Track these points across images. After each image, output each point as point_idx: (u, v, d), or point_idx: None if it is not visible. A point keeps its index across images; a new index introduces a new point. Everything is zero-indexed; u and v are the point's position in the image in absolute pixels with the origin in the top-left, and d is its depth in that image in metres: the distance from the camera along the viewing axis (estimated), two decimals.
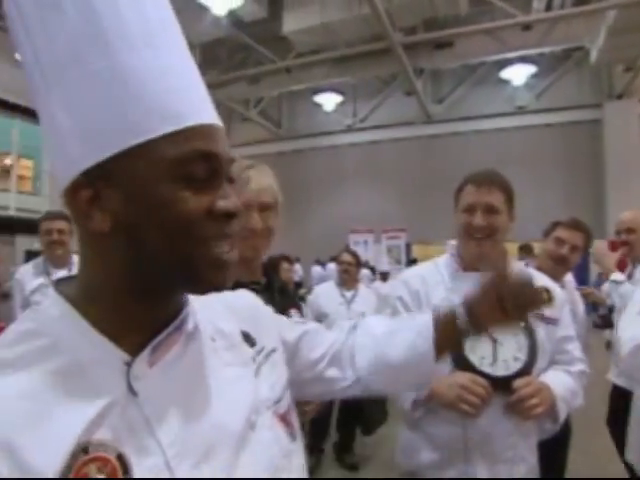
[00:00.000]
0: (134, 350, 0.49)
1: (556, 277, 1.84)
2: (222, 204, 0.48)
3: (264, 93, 15.11)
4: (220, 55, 13.46)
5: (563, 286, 1.91)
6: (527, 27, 10.72)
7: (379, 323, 0.83)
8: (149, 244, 0.46)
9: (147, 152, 0.44)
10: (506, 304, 0.71)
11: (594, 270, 12.31)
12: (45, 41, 0.44)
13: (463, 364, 1.27)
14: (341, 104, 14.87)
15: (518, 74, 12.33)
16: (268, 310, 0.78)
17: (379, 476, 3.37)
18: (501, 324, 0.76)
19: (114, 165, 0.44)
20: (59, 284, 0.53)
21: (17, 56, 0.48)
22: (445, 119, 14.29)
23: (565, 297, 1.48)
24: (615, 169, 13.02)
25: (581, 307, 2.14)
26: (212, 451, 0.51)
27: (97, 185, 0.45)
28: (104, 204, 0.45)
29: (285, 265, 2.98)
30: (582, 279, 12.92)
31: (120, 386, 0.47)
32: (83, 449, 0.43)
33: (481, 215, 1.31)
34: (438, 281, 1.41)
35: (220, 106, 15.47)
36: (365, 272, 6.33)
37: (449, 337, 0.74)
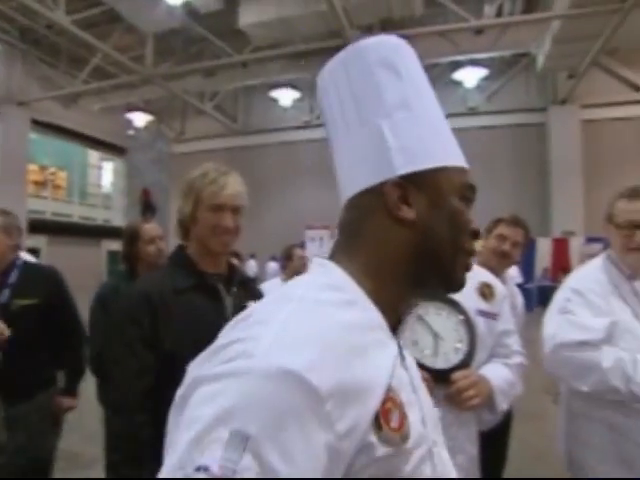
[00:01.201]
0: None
1: (498, 272, 1.91)
2: (476, 225, 0.63)
3: (220, 87, 14.86)
4: (175, 46, 13.10)
5: (504, 281, 1.98)
6: (479, 31, 11.07)
7: None
8: (436, 238, 0.59)
9: (446, 174, 0.60)
10: None
11: (539, 266, 12.94)
12: (386, 88, 0.62)
13: None
14: (298, 100, 14.83)
15: (470, 76, 12.70)
16: None
17: None
18: None
19: (423, 177, 0.59)
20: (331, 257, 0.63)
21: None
22: None
23: (505, 292, 1.53)
24: (558, 171, 13.68)
25: (520, 301, 2.23)
26: (437, 426, 0.63)
27: (407, 188, 0.58)
28: (410, 202, 0.59)
29: (235, 261, 2.95)
30: (528, 274, 13.47)
31: (395, 348, 0.56)
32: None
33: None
34: None
35: (174, 99, 15.08)
36: None
37: None
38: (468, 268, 0.63)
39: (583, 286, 1.58)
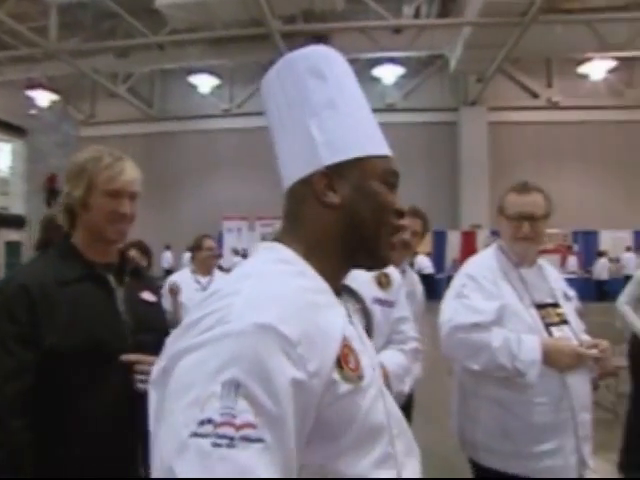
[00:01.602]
0: None
1: (398, 262, 1.99)
2: (400, 205, 0.72)
3: (134, 68, 14.05)
4: (83, 21, 12.16)
5: (404, 270, 2.07)
6: (397, 30, 11.46)
7: None
8: (360, 217, 0.68)
9: (368, 162, 0.69)
10: None
11: (449, 257, 13.75)
12: (313, 92, 0.71)
13: None
14: (218, 88, 14.44)
15: (388, 73, 13.12)
16: None
17: None
18: None
19: (346, 166, 0.68)
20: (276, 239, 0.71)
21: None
22: None
23: (401, 281, 1.60)
24: (467, 168, 14.60)
25: (420, 289, 2.34)
26: (379, 373, 0.71)
27: (332, 176, 0.67)
28: (335, 188, 0.68)
29: (133, 252, 2.71)
30: (439, 265, 14.20)
31: (342, 309, 0.66)
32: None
33: None
34: None
35: (83, 78, 14.03)
36: (239, 260, 6.25)
37: None
38: (393, 245, 0.71)
39: (476, 272, 1.68)
